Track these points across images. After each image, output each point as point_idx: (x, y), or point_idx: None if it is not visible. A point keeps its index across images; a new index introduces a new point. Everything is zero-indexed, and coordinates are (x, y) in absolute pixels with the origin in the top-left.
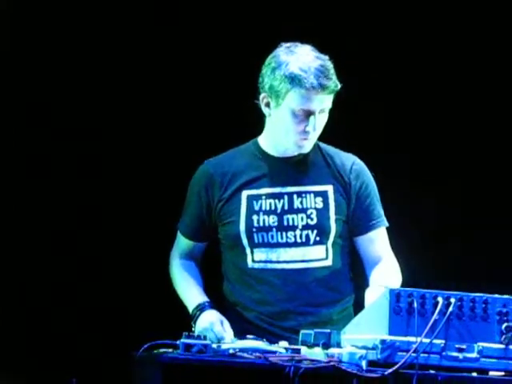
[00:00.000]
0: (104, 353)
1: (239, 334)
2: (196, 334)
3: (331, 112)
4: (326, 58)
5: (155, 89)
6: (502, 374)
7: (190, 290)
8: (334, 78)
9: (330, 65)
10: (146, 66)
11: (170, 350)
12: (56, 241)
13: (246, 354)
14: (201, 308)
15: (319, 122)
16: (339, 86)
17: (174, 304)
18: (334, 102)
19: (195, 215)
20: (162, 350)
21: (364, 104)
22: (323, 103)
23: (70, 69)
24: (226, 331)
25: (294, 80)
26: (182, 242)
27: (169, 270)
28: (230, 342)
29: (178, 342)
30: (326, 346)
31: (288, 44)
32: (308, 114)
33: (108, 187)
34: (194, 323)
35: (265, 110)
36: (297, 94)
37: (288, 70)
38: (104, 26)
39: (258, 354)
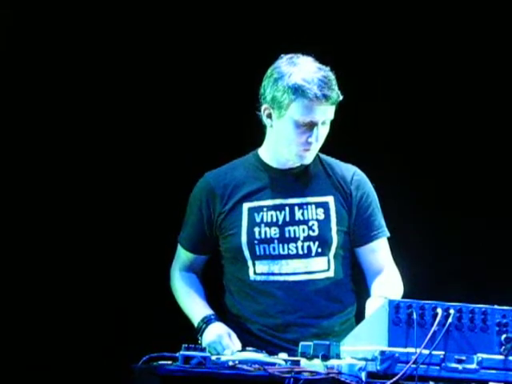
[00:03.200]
0: (103, 365)
1: (243, 345)
2: (203, 346)
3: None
4: (328, 69)
5: (156, 100)
6: None
7: (193, 303)
8: (337, 88)
9: (332, 76)
10: (145, 75)
11: (169, 363)
12: (55, 249)
13: (245, 366)
14: (207, 321)
15: (321, 133)
16: (341, 97)
17: (173, 316)
18: (335, 112)
19: (196, 228)
20: (161, 363)
21: (362, 106)
22: (326, 114)
23: (71, 75)
24: (234, 344)
25: (297, 90)
26: (183, 255)
27: (170, 283)
28: (229, 354)
29: (177, 355)
30: (326, 357)
31: (289, 55)
32: (311, 124)
33: (108, 200)
34: (201, 336)
35: (266, 121)
36: (300, 105)
37: (291, 81)
38: (111, 35)
39: (257, 366)
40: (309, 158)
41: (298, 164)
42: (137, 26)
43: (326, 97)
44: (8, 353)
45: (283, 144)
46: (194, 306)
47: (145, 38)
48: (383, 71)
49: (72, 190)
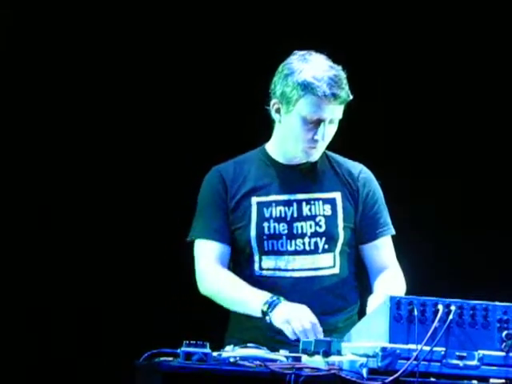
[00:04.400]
0: (105, 362)
1: (246, 341)
2: (291, 330)
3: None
4: (340, 68)
5: (160, 99)
6: (503, 381)
7: (246, 287)
8: (347, 88)
9: (342, 75)
10: (151, 71)
11: (171, 359)
12: (55, 247)
13: (246, 363)
14: (274, 302)
15: (328, 131)
16: (351, 97)
17: (172, 313)
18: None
19: (220, 216)
20: (162, 359)
21: (364, 107)
22: (334, 113)
23: (71, 75)
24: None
25: (306, 87)
26: (211, 249)
27: (203, 283)
28: (230, 350)
29: (178, 351)
30: (327, 353)
31: (302, 52)
32: (318, 122)
33: (110, 198)
34: (269, 314)
35: (275, 116)
36: (308, 102)
37: (301, 78)
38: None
39: (258, 363)
40: (315, 156)
41: (305, 160)
42: (138, 22)
43: (334, 95)
44: (9, 352)
45: (290, 140)
46: (249, 289)
47: (148, 32)
48: (385, 73)
49: (73, 188)
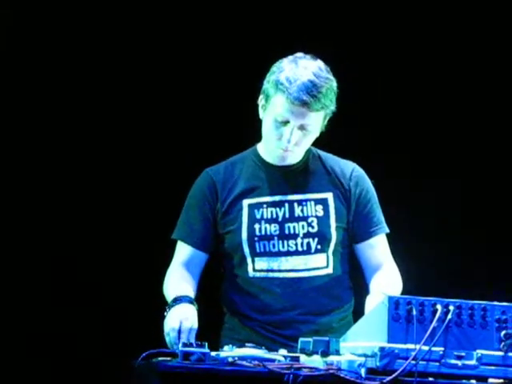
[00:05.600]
0: (102, 362)
1: (241, 342)
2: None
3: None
4: (328, 78)
5: (159, 95)
6: (501, 381)
7: (176, 288)
8: (323, 98)
9: (323, 85)
10: (145, 70)
11: (169, 359)
12: (54, 246)
13: (245, 362)
14: (178, 299)
15: (298, 137)
16: (329, 109)
17: None
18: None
19: (201, 221)
20: (160, 359)
21: (364, 105)
22: (304, 119)
23: (71, 74)
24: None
25: (278, 87)
26: (184, 253)
27: (164, 282)
28: (228, 350)
29: (176, 350)
30: (325, 353)
31: (300, 54)
32: (286, 124)
33: (110, 196)
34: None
35: (260, 111)
36: (278, 102)
37: (278, 77)
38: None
39: (256, 362)
40: (290, 160)
41: (283, 164)
42: (137, 24)
43: (300, 101)
44: (7, 351)
45: (265, 139)
46: (175, 290)
47: (146, 33)
48: (384, 71)
49: (72, 189)
